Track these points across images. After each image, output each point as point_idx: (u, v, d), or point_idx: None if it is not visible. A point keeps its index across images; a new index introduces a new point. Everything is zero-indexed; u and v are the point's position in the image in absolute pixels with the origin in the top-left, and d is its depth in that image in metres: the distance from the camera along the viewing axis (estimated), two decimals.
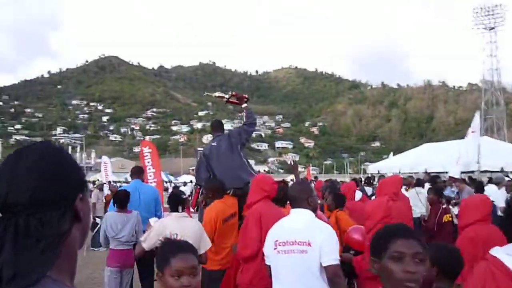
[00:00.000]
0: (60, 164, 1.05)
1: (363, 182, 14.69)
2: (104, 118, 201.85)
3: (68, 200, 1.02)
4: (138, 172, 7.22)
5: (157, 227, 4.65)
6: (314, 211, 3.58)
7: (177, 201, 4.92)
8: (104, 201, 13.97)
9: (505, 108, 70.34)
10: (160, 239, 4.12)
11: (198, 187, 6.03)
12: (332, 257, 3.24)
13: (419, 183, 10.58)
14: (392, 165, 19.08)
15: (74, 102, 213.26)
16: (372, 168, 20.68)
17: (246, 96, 6.46)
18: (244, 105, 6.25)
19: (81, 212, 1.06)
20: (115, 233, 5.76)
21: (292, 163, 6.45)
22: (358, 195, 8.41)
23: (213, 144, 5.78)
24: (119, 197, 6.08)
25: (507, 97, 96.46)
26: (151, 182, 11.85)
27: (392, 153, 27.19)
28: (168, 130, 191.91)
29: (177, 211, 4.84)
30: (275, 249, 3.42)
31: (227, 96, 6.36)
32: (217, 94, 6.48)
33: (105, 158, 20.73)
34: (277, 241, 3.43)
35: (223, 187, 5.37)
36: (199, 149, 72.75)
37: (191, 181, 37.21)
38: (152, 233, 4.58)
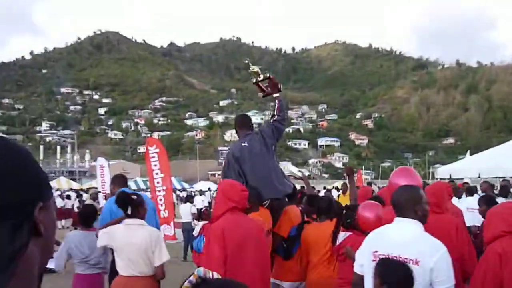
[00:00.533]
0: (14, 165, 0.99)
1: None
2: (101, 110, 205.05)
3: (24, 210, 0.97)
4: (121, 181, 7.34)
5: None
6: (423, 222, 3.67)
7: (124, 202, 5.15)
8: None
9: None
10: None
11: None
12: (449, 285, 3.37)
13: (471, 191, 10.54)
14: (469, 167, 18.76)
15: (63, 90, 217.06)
16: (442, 172, 20.35)
17: (280, 86, 6.48)
18: (277, 94, 6.29)
19: (42, 224, 1.00)
20: (82, 256, 5.91)
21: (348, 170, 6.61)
22: None
23: (243, 144, 5.81)
24: (84, 213, 6.37)
25: None
26: (159, 190, 12.12)
27: (469, 152, 26.72)
28: (181, 124, 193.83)
29: (127, 214, 5.10)
30: (373, 260, 3.55)
31: (261, 77, 6.34)
32: (256, 68, 6.41)
33: (101, 160, 21.00)
34: (376, 252, 3.56)
35: (260, 198, 5.52)
36: (221, 148, 73.45)
37: (209, 189, 37.60)
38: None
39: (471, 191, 11.45)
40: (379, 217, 4.68)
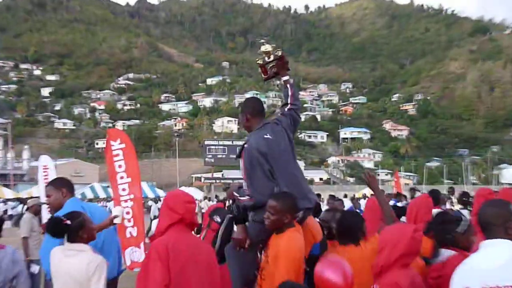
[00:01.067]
0: None
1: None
2: (45, 91, 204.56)
3: None
4: (69, 187, 7.18)
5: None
6: None
7: (57, 231, 5.29)
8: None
9: None
10: None
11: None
12: None
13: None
14: None
15: None
16: (509, 175, 20.56)
17: (288, 66, 6.51)
18: (286, 77, 6.34)
19: None
20: None
21: (368, 176, 6.52)
22: None
23: (266, 136, 5.70)
24: None
25: None
26: (124, 200, 12.10)
27: None
28: (155, 110, 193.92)
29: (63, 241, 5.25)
30: None
31: (271, 58, 6.31)
32: (268, 48, 6.38)
33: (45, 159, 20.59)
34: None
35: (297, 209, 5.49)
36: (209, 143, 73.64)
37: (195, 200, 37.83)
38: None
39: None
40: (348, 280, 4.61)
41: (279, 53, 6.24)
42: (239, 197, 5.61)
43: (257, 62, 6.35)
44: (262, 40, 6.47)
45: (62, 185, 7.04)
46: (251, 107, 6.04)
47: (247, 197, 5.50)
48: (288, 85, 6.22)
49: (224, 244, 5.77)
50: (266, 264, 5.25)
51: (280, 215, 5.13)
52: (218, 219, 6.72)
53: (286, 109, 6.07)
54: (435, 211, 6.62)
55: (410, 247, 4.49)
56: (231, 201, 6.43)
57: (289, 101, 6.11)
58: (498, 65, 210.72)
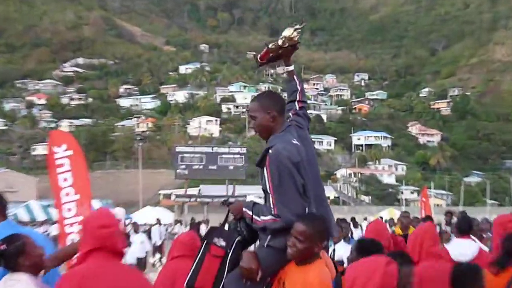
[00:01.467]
0: None
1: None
2: None
3: None
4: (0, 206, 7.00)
5: None
6: None
7: None
8: None
9: None
10: None
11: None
12: None
13: None
14: None
15: None
16: None
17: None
18: (291, 67, 6.42)
19: None
20: None
21: None
22: None
23: (294, 142, 5.60)
24: None
25: None
26: (70, 224, 12.07)
27: None
28: (112, 106, 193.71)
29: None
30: None
31: (286, 45, 6.34)
32: (294, 34, 6.39)
33: None
34: None
35: (328, 236, 5.63)
36: (181, 150, 73.79)
37: (158, 222, 37.81)
38: None
39: None
40: None
41: (297, 39, 6.21)
42: (254, 217, 5.37)
43: (269, 46, 6.23)
44: (300, 24, 6.54)
45: None
46: (279, 104, 5.81)
47: (270, 216, 5.24)
48: (295, 77, 6.28)
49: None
50: None
51: (310, 243, 5.03)
52: (222, 243, 6.38)
53: (298, 108, 6.12)
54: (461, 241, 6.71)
55: (383, 284, 4.34)
56: (233, 219, 6.26)
57: (298, 98, 6.17)
58: None
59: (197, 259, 6.07)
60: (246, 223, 5.52)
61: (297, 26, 6.24)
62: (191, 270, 5.97)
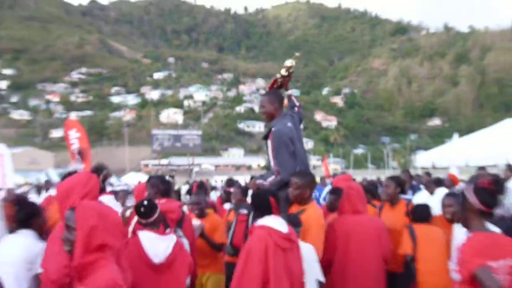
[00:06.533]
0: None
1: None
2: (2, 84, 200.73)
3: None
4: None
5: None
6: None
7: None
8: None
9: None
10: None
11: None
12: None
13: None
14: (456, 154, 19.20)
15: None
16: (423, 160, 20.82)
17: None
18: (290, 91, 7.06)
19: None
20: None
21: None
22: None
23: (289, 124, 6.23)
24: None
25: None
26: None
27: (457, 135, 27.14)
28: (106, 102, 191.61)
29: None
30: None
31: (285, 73, 6.77)
32: (293, 63, 6.85)
33: (1, 147, 19.99)
34: None
35: (315, 186, 6.25)
36: (155, 132, 73.00)
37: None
38: None
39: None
40: None
41: (292, 70, 6.82)
42: (263, 183, 6.03)
43: (277, 77, 6.81)
44: (297, 54, 6.93)
45: None
46: (280, 99, 6.51)
47: (273, 177, 5.93)
48: (293, 98, 6.90)
49: None
50: None
51: (303, 190, 5.70)
52: (245, 211, 7.11)
53: (295, 110, 6.70)
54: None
55: None
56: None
57: (297, 104, 6.76)
58: (415, 62, 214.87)
59: (233, 226, 7.29)
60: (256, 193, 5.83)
61: (296, 54, 6.96)
62: (230, 234, 7.30)
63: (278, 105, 6.35)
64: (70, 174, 6.41)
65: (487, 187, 4.07)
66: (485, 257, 3.84)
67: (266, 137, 6.13)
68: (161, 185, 6.56)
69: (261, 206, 5.14)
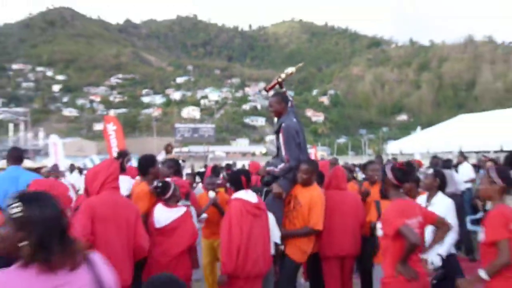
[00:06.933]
0: None
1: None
2: (56, 88, 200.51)
3: None
4: (15, 157, 6.71)
5: None
6: None
7: None
8: None
9: None
10: None
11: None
12: None
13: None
14: (418, 143, 19.29)
15: (15, 66, 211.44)
16: (392, 148, 20.92)
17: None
18: (284, 89, 7.08)
19: None
20: None
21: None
22: None
23: (294, 120, 6.36)
24: None
25: None
26: None
27: (420, 127, 27.37)
28: (138, 102, 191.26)
29: None
30: None
31: (283, 77, 6.98)
32: (293, 70, 7.05)
33: (54, 137, 19.88)
34: None
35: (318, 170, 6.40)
36: (178, 125, 72.84)
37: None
38: None
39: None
40: None
41: (293, 75, 7.12)
42: (274, 169, 6.14)
43: (279, 78, 7.01)
44: (300, 64, 7.45)
45: (8, 158, 6.75)
46: (285, 99, 6.56)
47: (282, 164, 6.04)
48: (287, 93, 6.86)
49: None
50: (292, 209, 6.01)
51: (310, 175, 5.92)
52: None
53: (290, 105, 6.57)
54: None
55: None
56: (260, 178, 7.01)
57: (290, 99, 6.67)
58: (386, 70, 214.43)
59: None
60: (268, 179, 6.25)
61: (300, 65, 7.44)
62: None
63: (284, 105, 6.42)
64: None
65: (400, 167, 4.62)
66: (404, 217, 4.32)
67: (277, 131, 6.24)
68: (174, 167, 7.06)
69: (235, 183, 5.65)
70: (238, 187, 5.63)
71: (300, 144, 6.15)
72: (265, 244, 5.42)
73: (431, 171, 6.12)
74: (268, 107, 6.74)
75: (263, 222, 5.46)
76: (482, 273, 4.18)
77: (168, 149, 9.05)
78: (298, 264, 5.60)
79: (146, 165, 6.05)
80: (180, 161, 9.49)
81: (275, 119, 6.47)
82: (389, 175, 4.59)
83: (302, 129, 6.34)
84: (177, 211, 5.55)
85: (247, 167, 13.15)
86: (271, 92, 6.97)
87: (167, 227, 5.42)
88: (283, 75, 6.91)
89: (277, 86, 7.00)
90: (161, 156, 9.25)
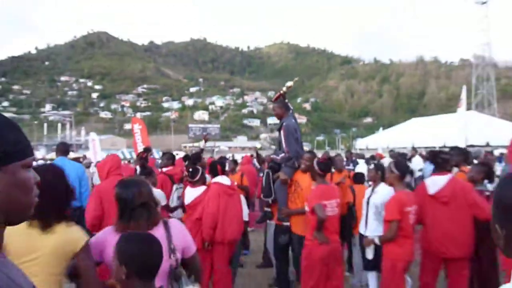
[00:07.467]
0: None
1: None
2: (94, 95, 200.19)
3: None
4: (62, 149, 6.78)
5: None
6: None
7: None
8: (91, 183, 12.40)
9: (495, 83, 70.28)
10: None
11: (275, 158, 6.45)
12: None
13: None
14: (381, 140, 19.31)
15: (63, 78, 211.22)
16: (360, 144, 20.92)
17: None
18: (286, 100, 6.90)
19: None
20: None
21: None
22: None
23: (293, 121, 6.30)
24: None
25: (498, 73, 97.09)
26: None
27: (382, 128, 27.36)
28: (159, 106, 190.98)
29: None
30: None
31: (284, 90, 6.83)
32: (292, 84, 7.02)
33: (93, 134, 19.89)
34: None
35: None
36: (191, 126, 72.54)
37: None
38: None
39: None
40: None
41: (291, 88, 6.90)
42: (277, 157, 6.05)
43: (281, 91, 6.85)
44: (296, 79, 7.28)
45: (57, 150, 6.90)
46: (286, 105, 6.47)
47: (283, 154, 5.94)
48: (289, 104, 6.68)
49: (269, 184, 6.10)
50: (293, 191, 5.85)
51: (311, 163, 5.60)
52: (261, 174, 6.92)
53: (290, 112, 6.48)
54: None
55: None
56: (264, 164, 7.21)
57: (291, 108, 6.55)
58: (356, 82, 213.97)
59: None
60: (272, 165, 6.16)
61: (296, 79, 7.22)
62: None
63: (284, 109, 6.35)
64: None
65: (323, 161, 5.11)
66: (321, 198, 4.81)
67: (279, 129, 6.19)
68: (172, 158, 7.69)
69: (213, 170, 5.92)
70: (215, 173, 5.88)
71: (297, 139, 6.11)
72: (238, 216, 5.64)
73: (372, 166, 6.12)
74: (272, 110, 6.77)
75: (235, 200, 5.65)
76: (376, 239, 4.79)
77: (206, 138, 9.38)
78: (302, 236, 5.54)
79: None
80: (184, 155, 9.80)
81: (272, 121, 6.48)
82: (316, 166, 5.06)
83: (299, 128, 6.31)
84: (198, 190, 5.65)
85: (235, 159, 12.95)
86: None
87: (191, 203, 5.60)
88: (284, 88, 6.79)
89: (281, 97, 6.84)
90: (202, 144, 9.62)
